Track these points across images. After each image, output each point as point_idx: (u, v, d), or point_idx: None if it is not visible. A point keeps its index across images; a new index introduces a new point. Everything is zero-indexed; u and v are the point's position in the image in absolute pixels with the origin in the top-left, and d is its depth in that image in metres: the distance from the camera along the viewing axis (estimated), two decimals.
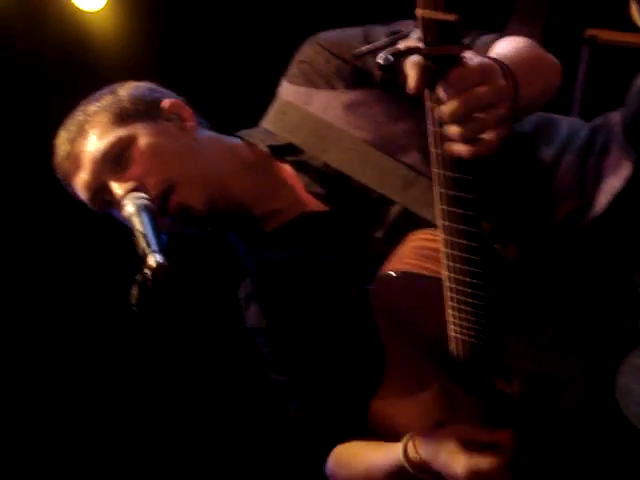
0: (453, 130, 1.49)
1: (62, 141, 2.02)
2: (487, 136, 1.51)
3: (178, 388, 3.98)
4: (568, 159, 1.86)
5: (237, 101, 3.65)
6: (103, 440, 3.98)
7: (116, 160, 1.96)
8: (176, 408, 4.00)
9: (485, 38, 1.87)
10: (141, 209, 1.84)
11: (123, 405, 3.98)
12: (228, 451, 4.00)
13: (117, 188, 1.95)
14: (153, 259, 1.72)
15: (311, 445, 2.09)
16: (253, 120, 2.14)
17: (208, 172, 1.99)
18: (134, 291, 1.73)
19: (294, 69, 2.04)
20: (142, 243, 1.76)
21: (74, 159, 2.00)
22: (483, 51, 1.79)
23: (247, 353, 2.30)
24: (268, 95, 2.12)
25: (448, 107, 1.46)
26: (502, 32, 1.88)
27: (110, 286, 3.05)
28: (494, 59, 1.62)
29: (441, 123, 1.51)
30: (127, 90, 2.05)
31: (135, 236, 1.79)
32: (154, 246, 1.74)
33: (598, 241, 1.77)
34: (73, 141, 2.00)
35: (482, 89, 1.47)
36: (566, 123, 1.96)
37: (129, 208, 1.85)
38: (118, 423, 3.99)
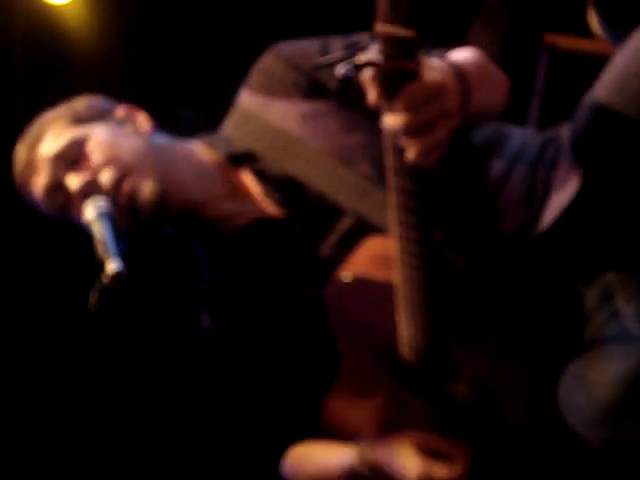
0: (405, 142, 1.54)
1: (21, 151, 2.07)
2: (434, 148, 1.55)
3: (138, 391, 3.97)
4: (518, 173, 1.91)
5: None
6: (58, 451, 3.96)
7: (71, 157, 1.99)
8: (137, 409, 3.98)
9: (436, 52, 1.90)
10: (101, 214, 1.86)
11: (80, 408, 3.95)
12: (186, 452, 4.01)
13: (72, 181, 1.97)
14: (111, 265, 1.73)
15: (266, 446, 2.12)
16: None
17: (161, 168, 2.01)
18: (92, 297, 1.75)
19: (253, 78, 2.09)
20: (101, 249, 1.77)
21: (31, 164, 2.03)
22: None
23: (205, 355, 2.32)
24: (230, 99, 2.16)
25: (400, 120, 1.50)
26: (452, 48, 1.92)
27: (69, 291, 3.04)
28: (449, 63, 1.67)
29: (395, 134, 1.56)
30: (82, 99, 2.12)
31: (95, 242, 1.80)
32: (112, 253, 1.75)
33: (544, 254, 1.82)
34: (31, 148, 2.04)
35: (429, 107, 1.51)
36: (518, 136, 2.01)
37: (89, 213, 1.87)
38: (68, 427, 3.95)
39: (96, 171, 1.97)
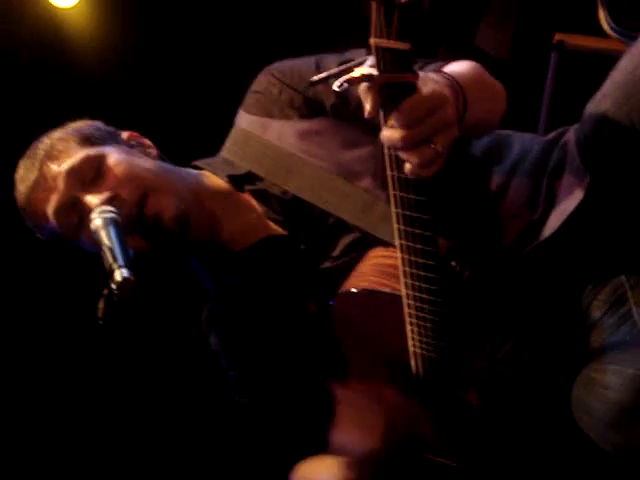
0: (404, 155, 1.52)
1: (27, 170, 2.03)
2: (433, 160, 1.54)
3: (146, 404, 3.96)
4: (518, 179, 1.90)
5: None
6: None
7: (88, 175, 1.98)
8: (143, 425, 3.97)
9: (432, 66, 1.89)
10: (109, 222, 1.83)
11: (91, 420, 3.95)
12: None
13: (92, 199, 1.95)
14: (119, 273, 1.70)
15: (275, 461, 2.11)
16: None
17: (181, 189, 2.01)
18: (100, 305, 1.72)
19: (250, 99, 2.09)
20: (109, 257, 1.74)
21: (43, 182, 2.00)
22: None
23: (213, 372, 2.30)
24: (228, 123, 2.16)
25: (395, 136, 1.49)
26: (447, 61, 1.91)
27: (78, 300, 3.03)
28: (446, 75, 1.66)
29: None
30: (86, 122, 2.10)
31: (102, 250, 1.77)
32: (120, 260, 1.72)
33: (550, 259, 1.80)
34: (41, 165, 2.01)
35: (429, 120, 1.49)
36: (519, 142, 2.00)
37: (97, 221, 1.84)
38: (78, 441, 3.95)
39: (117, 188, 1.96)
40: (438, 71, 1.73)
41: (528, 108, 1.96)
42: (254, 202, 2.06)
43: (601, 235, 1.78)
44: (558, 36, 3.46)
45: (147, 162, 2.04)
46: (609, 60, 1.74)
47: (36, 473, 3.82)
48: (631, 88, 1.65)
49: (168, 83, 3.84)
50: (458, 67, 1.81)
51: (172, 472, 3.92)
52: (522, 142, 2.00)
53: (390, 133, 1.49)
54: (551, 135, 1.98)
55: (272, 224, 2.05)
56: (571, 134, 1.90)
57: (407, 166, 1.52)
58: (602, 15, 2.95)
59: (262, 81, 2.07)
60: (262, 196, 2.05)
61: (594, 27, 3.04)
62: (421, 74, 1.50)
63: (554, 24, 3.55)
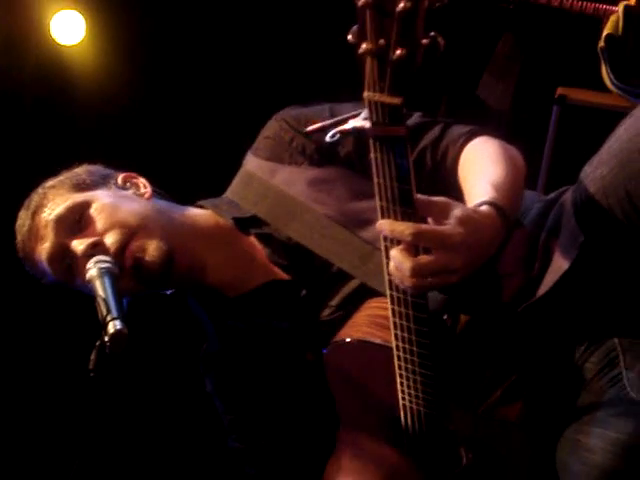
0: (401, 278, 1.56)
1: (23, 220, 2.07)
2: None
3: (141, 450, 3.94)
4: (518, 236, 1.89)
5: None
6: None
7: (74, 221, 1.99)
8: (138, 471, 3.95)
9: (456, 131, 1.93)
10: (104, 273, 1.84)
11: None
12: None
13: (78, 245, 1.96)
14: (112, 325, 1.70)
15: None
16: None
17: (167, 229, 2.01)
18: (92, 356, 1.71)
19: (260, 143, 2.10)
20: (102, 309, 1.74)
21: (35, 232, 2.03)
22: (453, 148, 1.90)
23: (207, 416, 2.30)
24: (234, 163, 2.17)
25: (407, 264, 1.53)
26: (472, 126, 1.95)
27: (69, 351, 3.02)
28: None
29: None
30: (83, 167, 2.13)
31: (96, 301, 1.78)
32: (114, 312, 1.73)
33: (543, 317, 1.79)
34: (34, 215, 2.04)
35: (436, 260, 1.53)
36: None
37: (92, 272, 1.85)
38: None
39: (101, 234, 1.96)
40: (455, 138, 1.81)
41: (529, 161, 1.96)
42: (258, 245, 2.05)
43: (595, 295, 1.77)
44: (560, 90, 3.48)
45: (135, 204, 2.04)
46: (611, 115, 1.75)
47: None
48: (626, 157, 1.65)
49: (174, 121, 3.85)
50: (489, 169, 1.81)
51: None
52: (524, 200, 1.99)
53: (399, 258, 1.54)
54: (552, 195, 1.98)
55: (276, 268, 2.04)
56: (569, 194, 1.90)
57: (400, 284, 1.58)
58: (604, 71, 2.96)
59: (274, 127, 2.07)
60: (267, 240, 2.05)
61: (597, 82, 3.04)
62: (459, 213, 1.55)
63: (557, 78, 3.57)
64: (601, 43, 2.92)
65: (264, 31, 3.80)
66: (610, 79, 2.93)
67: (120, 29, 3.71)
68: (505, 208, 1.67)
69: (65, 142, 3.65)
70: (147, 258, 1.95)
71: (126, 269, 1.93)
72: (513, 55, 3.75)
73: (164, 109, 3.84)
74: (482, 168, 1.83)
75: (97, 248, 1.93)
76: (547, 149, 3.48)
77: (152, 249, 1.95)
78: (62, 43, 3.60)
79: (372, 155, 1.50)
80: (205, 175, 2.85)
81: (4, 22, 3.55)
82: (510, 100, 3.76)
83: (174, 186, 2.19)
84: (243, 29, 3.82)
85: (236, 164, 2.16)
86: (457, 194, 1.81)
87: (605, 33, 2.92)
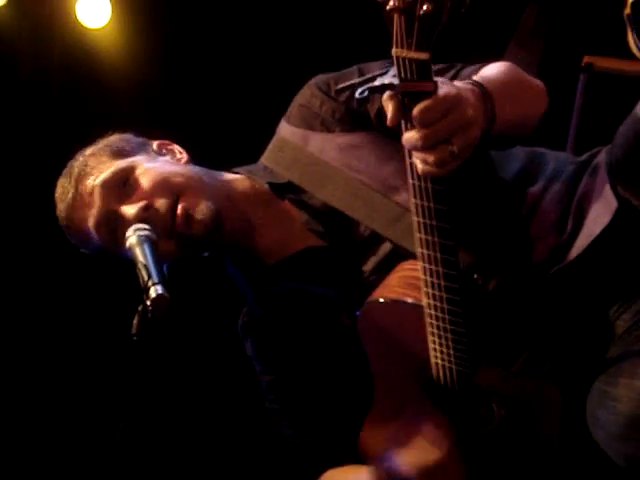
0: (420, 157, 1.57)
1: (64, 188, 2.08)
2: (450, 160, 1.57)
3: (181, 415, 3.97)
4: (550, 198, 1.91)
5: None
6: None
7: (120, 187, 2.02)
8: (176, 438, 3.98)
9: (469, 70, 1.93)
10: (143, 240, 1.86)
11: (121, 436, 3.94)
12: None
13: (129, 209, 1.99)
14: (154, 290, 1.73)
15: (304, 470, 2.13)
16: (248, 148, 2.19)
17: (212, 191, 2.04)
18: (135, 321, 1.75)
19: (293, 111, 2.12)
20: (144, 274, 1.77)
21: (80, 199, 2.05)
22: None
23: (246, 378, 2.33)
24: (268, 129, 2.18)
25: (414, 137, 1.54)
26: (485, 63, 1.93)
27: (113, 316, 3.05)
28: (470, 80, 1.70)
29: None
30: (117, 135, 2.15)
31: (137, 267, 1.81)
32: (155, 277, 1.76)
33: (575, 278, 1.81)
34: (77, 183, 2.06)
35: (445, 121, 1.53)
36: (553, 160, 2.01)
37: (132, 239, 1.88)
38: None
39: (150, 197, 1.99)
40: (467, 77, 1.77)
41: (556, 130, 1.96)
42: (295, 211, 2.08)
43: (626, 258, 1.79)
44: (587, 58, 3.46)
45: (177, 167, 2.08)
46: (638, 82, 1.74)
47: None
48: None
49: (201, 100, 3.86)
50: (489, 71, 1.84)
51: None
52: (556, 161, 2.01)
53: (409, 135, 1.54)
54: (584, 156, 1.99)
55: (312, 235, 2.06)
56: (602, 156, 1.90)
57: (419, 165, 1.57)
58: (630, 38, 2.94)
59: (305, 94, 2.09)
60: (302, 206, 2.07)
61: (623, 49, 3.03)
62: (439, 79, 1.55)
63: (583, 46, 3.55)
64: (627, 10, 2.89)
65: None
66: (636, 46, 2.90)
67: (145, 11, 3.73)
68: (490, 92, 1.68)
69: (92, 125, 3.66)
70: (197, 217, 1.98)
71: (175, 230, 1.97)
72: (538, 26, 3.73)
73: (191, 87, 3.86)
74: (483, 72, 1.84)
75: (149, 211, 1.97)
76: (574, 118, 3.46)
77: (201, 208, 1.98)
78: (88, 26, 3.63)
79: (402, 111, 1.52)
80: (237, 146, 2.85)
81: (30, 7, 3.58)
82: (536, 69, 3.74)
83: (208, 158, 2.20)
84: None
85: (271, 131, 2.18)
86: None
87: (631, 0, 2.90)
